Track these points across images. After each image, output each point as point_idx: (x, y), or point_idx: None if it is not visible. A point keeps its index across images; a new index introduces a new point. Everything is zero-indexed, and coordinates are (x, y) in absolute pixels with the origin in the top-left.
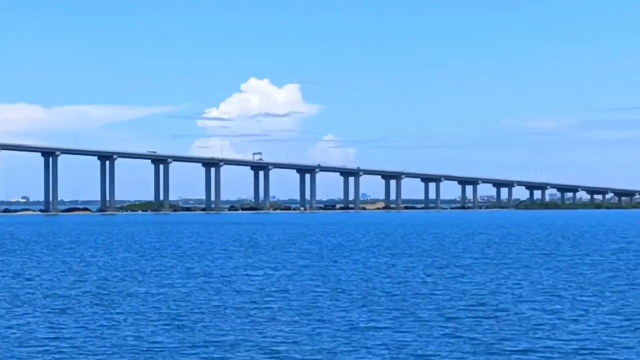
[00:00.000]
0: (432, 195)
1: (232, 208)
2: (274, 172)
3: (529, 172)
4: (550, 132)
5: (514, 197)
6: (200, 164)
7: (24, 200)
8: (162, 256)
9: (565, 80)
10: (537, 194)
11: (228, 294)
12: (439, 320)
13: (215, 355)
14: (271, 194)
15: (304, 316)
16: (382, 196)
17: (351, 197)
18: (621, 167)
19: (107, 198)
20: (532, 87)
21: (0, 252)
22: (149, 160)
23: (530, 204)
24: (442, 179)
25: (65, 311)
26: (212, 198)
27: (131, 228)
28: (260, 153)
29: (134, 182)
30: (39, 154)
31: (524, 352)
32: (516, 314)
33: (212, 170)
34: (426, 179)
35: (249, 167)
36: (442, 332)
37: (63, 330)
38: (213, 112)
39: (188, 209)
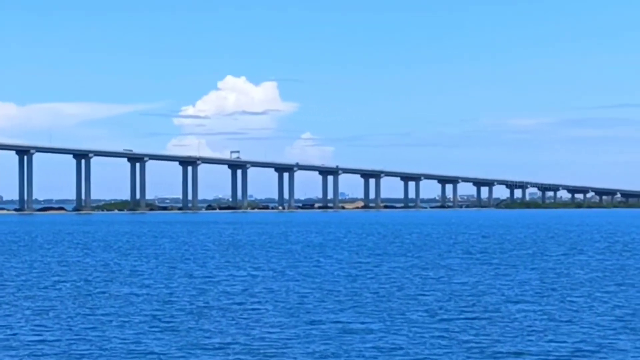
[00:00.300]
0: (411, 194)
1: (210, 207)
2: (251, 171)
3: (509, 170)
4: (530, 131)
5: (494, 196)
6: (177, 163)
7: None
8: (142, 256)
9: (544, 78)
10: (518, 193)
11: (212, 294)
12: (430, 322)
13: (205, 359)
14: (248, 192)
15: (292, 317)
16: (361, 195)
17: (330, 196)
18: (602, 166)
19: (83, 197)
20: (511, 85)
21: None
22: (125, 159)
23: (510, 203)
24: (422, 177)
25: (48, 313)
26: (189, 197)
27: (108, 228)
28: (238, 151)
29: (110, 181)
30: (14, 152)
31: (519, 354)
32: (507, 315)
33: (189, 169)
34: (406, 177)
35: (226, 166)
36: (434, 334)
37: (47, 333)
38: (189, 110)
39: (165, 208)
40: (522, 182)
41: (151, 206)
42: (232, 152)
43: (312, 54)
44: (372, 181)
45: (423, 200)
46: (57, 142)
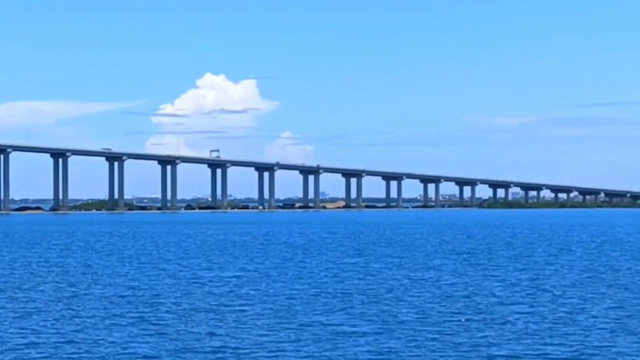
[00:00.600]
0: (393, 194)
1: (189, 207)
2: (230, 170)
3: (492, 170)
4: (513, 130)
5: (476, 195)
6: (156, 162)
7: None
8: (125, 257)
9: (528, 77)
10: (501, 192)
11: (199, 296)
12: (423, 324)
13: None
14: (228, 192)
15: (282, 320)
16: (342, 195)
17: (310, 195)
18: (585, 166)
19: (60, 197)
20: (494, 84)
21: None
22: (103, 158)
23: (493, 203)
24: (404, 177)
25: (33, 315)
26: (168, 197)
27: (88, 228)
28: (217, 150)
29: (87, 181)
30: None
31: (517, 358)
32: (501, 317)
33: (169, 168)
34: (387, 177)
35: (205, 165)
36: (427, 337)
37: (33, 336)
38: (168, 109)
39: (143, 208)
40: (505, 182)
41: (129, 206)
42: (211, 151)
43: (292, 52)
44: (353, 181)
45: (405, 200)
46: (34, 141)
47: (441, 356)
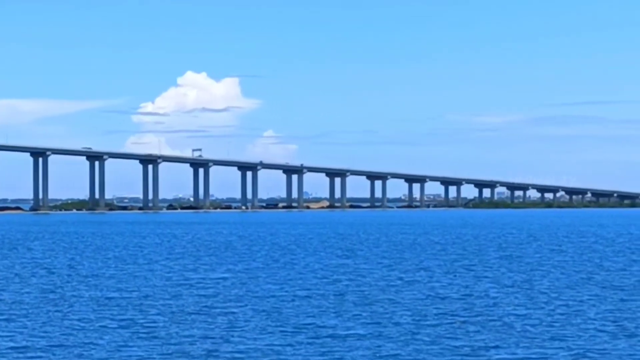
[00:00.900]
0: (378, 193)
1: (171, 207)
2: (212, 170)
3: (478, 169)
4: (497, 128)
5: (462, 195)
6: (137, 161)
7: None
8: (109, 258)
9: (512, 75)
10: (486, 192)
11: (188, 298)
12: (419, 327)
13: None
14: (210, 192)
15: (275, 322)
16: (326, 194)
17: (294, 195)
18: (572, 165)
19: (40, 196)
20: (477, 82)
21: None
22: (84, 157)
23: (479, 203)
24: (389, 176)
25: (20, 318)
26: (150, 196)
27: (70, 228)
28: (200, 149)
29: (67, 180)
30: None
31: None
32: (499, 319)
33: (150, 167)
34: (372, 176)
35: (188, 164)
36: (425, 340)
37: (22, 340)
38: (148, 107)
39: (125, 208)
40: (491, 181)
41: (110, 206)
42: (194, 150)
43: (274, 50)
44: (337, 180)
45: (389, 200)
46: (13, 140)
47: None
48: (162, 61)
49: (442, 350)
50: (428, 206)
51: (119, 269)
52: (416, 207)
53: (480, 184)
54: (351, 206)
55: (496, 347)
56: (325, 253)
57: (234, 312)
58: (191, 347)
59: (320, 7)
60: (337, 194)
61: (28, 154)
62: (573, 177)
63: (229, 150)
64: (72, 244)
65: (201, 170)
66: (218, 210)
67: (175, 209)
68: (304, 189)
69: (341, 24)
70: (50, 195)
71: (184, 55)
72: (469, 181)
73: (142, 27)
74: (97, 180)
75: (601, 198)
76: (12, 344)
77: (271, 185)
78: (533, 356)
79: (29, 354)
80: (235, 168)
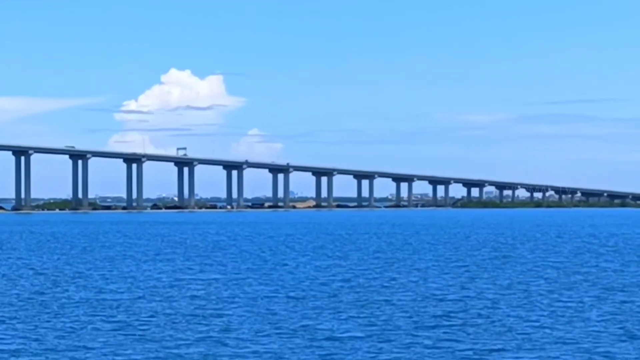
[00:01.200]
0: (365, 193)
1: (155, 207)
2: (197, 169)
3: (466, 168)
4: (486, 127)
5: (450, 194)
6: (121, 160)
7: None
8: (97, 259)
9: (498, 73)
10: (475, 191)
11: (179, 299)
12: (419, 329)
13: None
14: (194, 191)
15: (270, 324)
16: (312, 194)
17: (280, 195)
18: (561, 164)
19: (23, 196)
20: (464, 80)
21: None
22: (67, 156)
23: (467, 203)
24: (376, 175)
25: (10, 320)
26: (134, 196)
27: (54, 228)
28: (184, 148)
29: (49, 179)
30: None
31: None
32: (498, 321)
33: (134, 166)
34: (359, 175)
35: (172, 163)
36: (426, 343)
37: (13, 344)
38: (131, 105)
39: (108, 208)
40: (480, 181)
41: (94, 205)
42: (178, 148)
43: (259, 47)
44: (324, 179)
45: (377, 200)
46: None
47: None
48: (146, 58)
49: (444, 353)
50: (416, 206)
51: (108, 270)
52: (404, 206)
53: (468, 183)
54: (338, 206)
55: (499, 350)
56: (316, 253)
57: (227, 314)
58: (187, 351)
59: (306, 4)
60: (324, 194)
61: (10, 152)
62: (562, 177)
63: (213, 149)
64: (58, 244)
65: (186, 170)
66: (203, 210)
67: (160, 208)
68: (290, 188)
69: (327, 22)
70: (33, 195)
71: (167, 52)
72: (457, 180)
73: (125, 23)
74: (80, 179)
75: (591, 198)
76: (3, 347)
77: (256, 184)
78: None
79: (22, 359)
80: (221, 167)
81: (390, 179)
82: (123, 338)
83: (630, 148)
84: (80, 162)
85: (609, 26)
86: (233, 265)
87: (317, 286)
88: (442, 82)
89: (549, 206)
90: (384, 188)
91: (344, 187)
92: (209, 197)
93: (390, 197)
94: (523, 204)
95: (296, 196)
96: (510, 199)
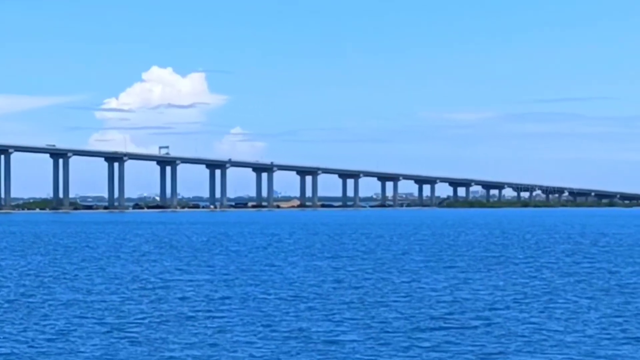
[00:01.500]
0: (350, 192)
1: (137, 206)
2: (179, 168)
3: (452, 167)
4: (472, 125)
5: (436, 194)
6: (102, 159)
7: None
8: (82, 260)
9: (484, 71)
10: (461, 191)
11: (169, 301)
12: (416, 331)
13: None
14: (177, 190)
15: (265, 327)
16: (296, 193)
17: (264, 194)
18: (548, 163)
19: (3, 195)
20: (449, 78)
21: None
22: (47, 155)
23: (454, 202)
24: (361, 175)
25: None
26: (115, 195)
27: (36, 228)
28: (167, 147)
29: (30, 178)
30: None
31: None
32: (496, 323)
33: (116, 165)
34: (344, 175)
35: (154, 162)
36: (426, 346)
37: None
38: (112, 103)
39: (90, 207)
40: (466, 180)
41: (75, 205)
42: (160, 147)
43: (242, 44)
44: (308, 179)
45: (362, 199)
46: None
47: None
48: (127, 56)
49: (445, 357)
50: (401, 205)
51: (94, 271)
52: (389, 206)
53: (454, 183)
54: (322, 205)
55: (500, 353)
56: (305, 254)
57: (219, 316)
58: (181, 354)
59: (290, 3)
60: (308, 193)
61: None
62: (550, 176)
63: (195, 148)
64: (42, 245)
65: (168, 169)
66: (186, 209)
67: (142, 208)
68: (273, 188)
69: (312, 20)
70: (12, 194)
71: (149, 49)
72: (443, 180)
73: (106, 20)
74: (61, 178)
75: (578, 197)
76: None
77: (240, 184)
78: None
79: None
80: (204, 166)
81: (375, 178)
82: (115, 341)
83: (618, 147)
84: (61, 161)
85: (596, 25)
86: (221, 266)
87: (308, 287)
88: (428, 80)
89: (536, 206)
90: (369, 187)
91: (329, 186)
92: (191, 196)
93: (375, 196)
94: (510, 203)
95: (280, 195)
96: (497, 199)
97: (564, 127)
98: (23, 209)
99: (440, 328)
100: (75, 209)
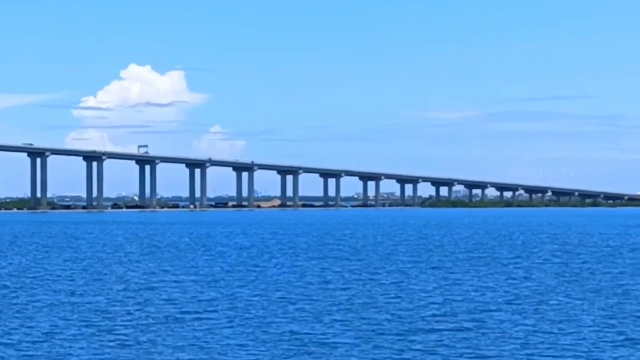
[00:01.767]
0: (331, 192)
1: (116, 206)
2: (158, 167)
3: (434, 166)
4: (453, 124)
5: (418, 193)
6: (80, 158)
7: None
8: (64, 260)
9: (464, 69)
10: (444, 190)
11: (156, 303)
12: (409, 334)
13: None
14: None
15: (254, 329)
16: (277, 193)
17: (244, 193)
18: (531, 162)
19: None
20: (430, 77)
21: None
22: (25, 154)
23: (436, 202)
24: (343, 174)
25: None
26: (94, 195)
27: (14, 228)
28: (146, 146)
29: (6, 177)
30: None
31: None
32: (490, 325)
33: (94, 164)
34: (325, 174)
35: (133, 162)
36: (420, 348)
37: None
38: (90, 102)
39: (68, 207)
40: (449, 179)
41: (53, 205)
42: (139, 146)
43: (221, 41)
44: (289, 178)
45: (343, 199)
46: None
47: None
48: (105, 53)
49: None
50: (383, 205)
51: (77, 272)
52: (371, 205)
53: (437, 182)
54: (303, 205)
55: (496, 356)
56: (289, 255)
57: (209, 318)
58: (171, 357)
59: (271, 0)
60: (289, 192)
61: None
62: (533, 175)
63: (174, 147)
64: (22, 245)
65: (147, 168)
66: (165, 209)
67: (121, 208)
68: (254, 187)
69: (291, 18)
70: None
71: (127, 47)
72: (425, 179)
73: (84, 17)
74: (38, 177)
75: (562, 197)
76: None
77: (219, 183)
78: None
79: None
80: (183, 165)
81: (357, 178)
82: (103, 343)
83: (602, 146)
84: (39, 160)
85: (578, 23)
86: (206, 267)
87: (295, 288)
88: (409, 79)
89: (519, 205)
90: (351, 187)
91: (310, 186)
92: (170, 196)
93: (356, 196)
94: (493, 203)
95: (260, 195)
96: (479, 198)
97: (547, 126)
98: (0, 209)
99: (434, 330)
100: (53, 208)
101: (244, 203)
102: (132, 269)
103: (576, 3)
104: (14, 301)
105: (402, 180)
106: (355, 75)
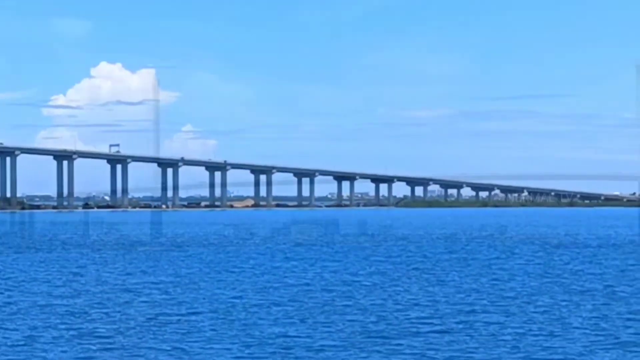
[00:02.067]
0: (305, 192)
1: (87, 206)
2: (130, 166)
3: (409, 165)
4: (428, 123)
5: (393, 193)
6: (50, 157)
7: None
8: (40, 261)
9: (438, 68)
10: (419, 190)
11: (136, 305)
12: (395, 337)
13: None
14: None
15: (239, 332)
16: (250, 193)
17: (217, 193)
18: (507, 161)
19: None
20: (405, 75)
21: None
22: None
23: (411, 202)
24: (317, 173)
25: None
26: (64, 195)
27: None
28: (118, 145)
29: None
30: None
31: None
32: (478, 327)
33: (65, 163)
34: (299, 174)
35: (104, 161)
36: (407, 352)
37: None
38: (60, 100)
39: (38, 207)
40: (424, 179)
41: (22, 205)
42: (111, 145)
43: (192, 40)
44: (262, 177)
45: (317, 199)
46: None
47: None
48: (75, 50)
49: None
50: (358, 205)
51: (53, 273)
52: (345, 205)
53: (412, 182)
54: (277, 205)
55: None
56: (266, 255)
57: (190, 321)
58: None
59: None
60: (262, 192)
61: None
62: (509, 175)
63: (146, 146)
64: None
65: (119, 167)
66: (137, 209)
67: (92, 207)
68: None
69: (264, 16)
70: None
71: (97, 44)
72: (400, 179)
73: (54, 14)
74: (8, 177)
75: (538, 196)
76: None
77: (191, 182)
78: None
79: None
80: (155, 164)
81: (331, 177)
82: (85, 347)
83: (578, 145)
84: (8, 159)
85: (552, 21)
86: (185, 268)
87: (276, 290)
88: (384, 78)
89: (495, 205)
90: (325, 187)
91: (284, 185)
92: (141, 195)
93: (330, 196)
94: (468, 203)
95: (232, 195)
96: (455, 198)
97: (523, 125)
98: None
99: (422, 333)
100: (23, 208)
101: (217, 203)
102: (110, 270)
103: (552, 3)
104: None
105: (377, 179)
106: (331, 74)
